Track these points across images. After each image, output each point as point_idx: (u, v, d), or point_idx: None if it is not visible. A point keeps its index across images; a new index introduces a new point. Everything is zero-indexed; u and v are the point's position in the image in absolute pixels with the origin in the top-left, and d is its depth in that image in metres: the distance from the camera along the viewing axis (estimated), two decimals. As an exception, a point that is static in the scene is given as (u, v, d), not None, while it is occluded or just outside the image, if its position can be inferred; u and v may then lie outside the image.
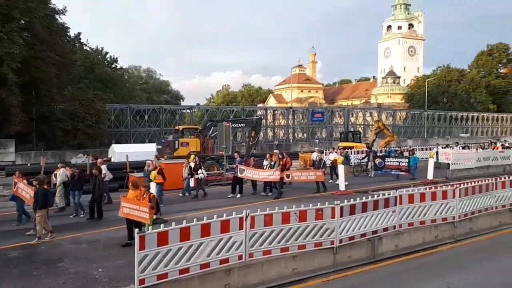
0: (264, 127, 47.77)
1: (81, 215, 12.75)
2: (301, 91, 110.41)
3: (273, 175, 15.45)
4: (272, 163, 16.30)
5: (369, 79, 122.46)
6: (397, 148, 27.06)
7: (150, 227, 6.96)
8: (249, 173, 15.97)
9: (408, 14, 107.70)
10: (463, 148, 29.49)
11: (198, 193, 16.23)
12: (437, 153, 22.85)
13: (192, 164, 16.08)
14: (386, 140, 31.60)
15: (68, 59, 38.49)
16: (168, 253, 6.75)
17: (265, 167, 16.50)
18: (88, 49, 52.48)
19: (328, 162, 20.74)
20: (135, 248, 6.49)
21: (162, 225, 7.00)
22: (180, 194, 16.40)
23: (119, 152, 26.94)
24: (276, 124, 55.63)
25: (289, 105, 69.79)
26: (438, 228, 10.64)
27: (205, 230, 7.14)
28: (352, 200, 9.15)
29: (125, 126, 43.52)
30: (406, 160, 20.78)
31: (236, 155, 17.59)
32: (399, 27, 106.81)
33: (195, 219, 7.16)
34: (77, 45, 50.45)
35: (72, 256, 8.88)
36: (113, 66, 56.03)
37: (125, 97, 52.71)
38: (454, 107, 74.22)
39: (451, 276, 8.18)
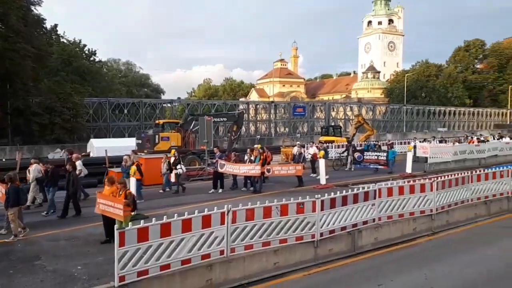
0: (246, 121, 47.71)
1: (50, 212, 12.28)
2: (283, 85, 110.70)
3: (253, 169, 15.44)
4: (252, 158, 16.30)
5: (349, 74, 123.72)
6: (375, 142, 27.45)
7: (123, 224, 6.80)
8: (229, 167, 15.89)
9: (388, 9, 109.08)
10: (440, 142, 30.12)
11: (173, 188, 16.09)
12: (415, 147, 23.24)
13: (173, 159, 15.94)
14: (366, 134, 32.00)
15: (44, 52, 37.36)
16: (148, 249, 6.68)
17: (246, 162, 16.50)
18: (65, 41, 51.18)
19: (308, 156, 20.91)
20: (115, 245, 6.39)
21: (142, 221, 6.92)
22: (161, 190, 16.24)
23: (98, 146, 26.50)
24: (258, 119, 55.63)
25: (271, 99, 69.85)
26: (416, 220, 10.85)
27: (186, 226, 7.08)
28: (332, 193, 9.24)
29: (104, 120, 42.77)
30: (385, 154, 21.17)
31: (215, 149, 17.47)
32: (379, 23, 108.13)
33: (176, 215, 7.10)
34: (53, 37, 48.96)
35: (50, 253, 8.68)
36: (92, 59, 54.85)
37: (104, 90, 51.69)
38: (432, 102, 75.87)
39: (428, 268, 8.37)
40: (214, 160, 16.80)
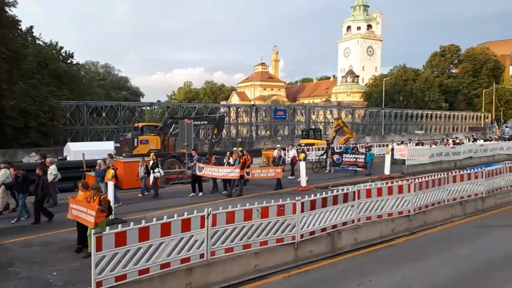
0: (227, 124, 47.61)
1: (23, 218, 11.91)
2: (264, 89, 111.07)
3: (232, 172, 15.38)
4: (231, 161, 16.24)
5: (329, 78, 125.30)
6: (353, 145, 27.82)
7: (92, 230, 6.62)
8: (208, 170, 15.75)
9: (367, 15, 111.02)
10: (417, 144, 30.72)
11: (151, 193, 15.90)
12: (392, 149, 23.63)
13: (151, 162, 15.75)
14: (346, 137, 32.39)
15: (19, 54, 36.50)
16: (126, 253, 6.56)
17: (225, 165, 16.43)
18: (41, 43, 49.90)
19: (288, 159, 21.02)
20: (92, 250, 6.25)
21: (120, 225, 6.79)
22: (140, 194, 16.02)
23: (75, 150, 25.90)
24: (239, 122, 55.61)
25: (252, 102, 69.97)
26: (395, 221, 11.01)
27: (165, 230, 7.00)
28: (312, 195, 9.29)
29: (81, 123, 41.90)
30: (363, 156, 21.48)
31: (193, 152, 17.27)
32: (358, 28, 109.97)
33: (154, 219, 7.00)
34: (29, 39, 47.82)
35: (24, 259, 8.44)
36: (69, 61, 53.64)
37: (82, 93, 50.67)
38: (409, 105, 77.59)
39: (406, 267, 8.50)
40: (192, 163, 16.64)
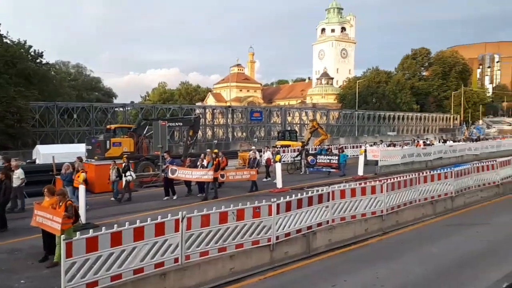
0: (202, 126, 47.20)
1: None
2: (240, 90, 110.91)
3: (206, 175, 15.22)
4: (205, 163, 16.07)
5: (304, 80, 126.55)
6: (327, 146, 28.17)
7: (62, 236, 6.40)
8: (181, 173, 15.49)
9: (341, 17, 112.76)
10: (389, 145, 31.34)
11: (124, 196, 15.51)
12: (365, 150, 24.03)
13: (123, 165, 15.42)
14: (320, 138, 32.80)
15: (-16, 52, 35.06)
16: (98, 259, 6.40)
17: (198, 167, 16.25)
18: (8, 41, 48.12)
19: (263, 161, 21.06)
20: (61, 256, 6.05)
21: (91, 230, 6.60)
22: (112, 198, 15.64)
23: (45, 153, 25.08)
24: (215, 123, 55.35)
25: (228, 104, 69.80)
26: (368, 221, 11.20)
27: (139, 234, 6.86)
28: (288, 197, 9.33)
29: (51, 125, 40.70)
30: (336, 157, 21.78)
31: (166, 155, 16.97)
32: (333, 30, 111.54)
33: (127, 223, 6.85)
34: (-5, 37, 46.08)
35: (-11, 268, 8.09)
36: (38, 61, 51.92)
37: (52, 94, 49.06)
38: (382, 107, 79.38)
39: (380, 267, 8.64)
40: (164, 166, 16.37)
